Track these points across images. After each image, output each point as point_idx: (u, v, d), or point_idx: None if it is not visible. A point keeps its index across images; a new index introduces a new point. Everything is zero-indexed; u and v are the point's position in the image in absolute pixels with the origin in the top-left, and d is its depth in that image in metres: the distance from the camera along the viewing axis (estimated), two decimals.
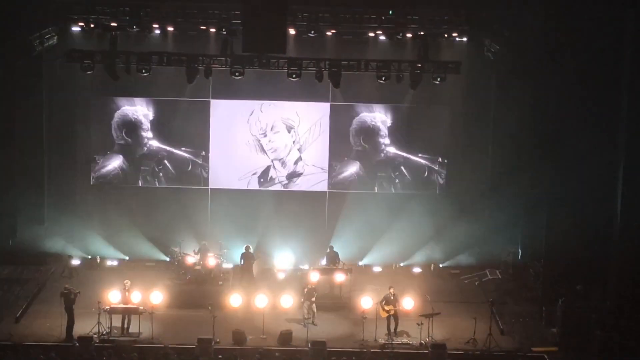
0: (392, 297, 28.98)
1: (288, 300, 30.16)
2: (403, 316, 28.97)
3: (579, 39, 29.28)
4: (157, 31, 33.10)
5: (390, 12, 31.95)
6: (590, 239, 29.97)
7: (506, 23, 31.98)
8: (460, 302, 31.78)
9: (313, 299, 30.05)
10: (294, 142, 35.94)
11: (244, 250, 33.15)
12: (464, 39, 33.32)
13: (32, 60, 32.62)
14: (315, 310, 29.98)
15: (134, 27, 31.86)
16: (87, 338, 27.57)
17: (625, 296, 29.37)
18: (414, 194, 35.98)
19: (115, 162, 35.95)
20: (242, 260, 32.89)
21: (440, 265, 35.44)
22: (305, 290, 30.30)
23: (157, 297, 29.31)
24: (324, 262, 33.46)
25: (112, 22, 31.72)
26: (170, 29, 33.04)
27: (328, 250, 33.59)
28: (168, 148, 35.85)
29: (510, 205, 34.25)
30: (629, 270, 29.40)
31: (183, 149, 35.89)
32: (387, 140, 35.95)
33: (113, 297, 28.80)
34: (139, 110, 35.62)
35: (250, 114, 35.71)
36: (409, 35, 32.36)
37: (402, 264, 35.38)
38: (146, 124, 35.74)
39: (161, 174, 36.01)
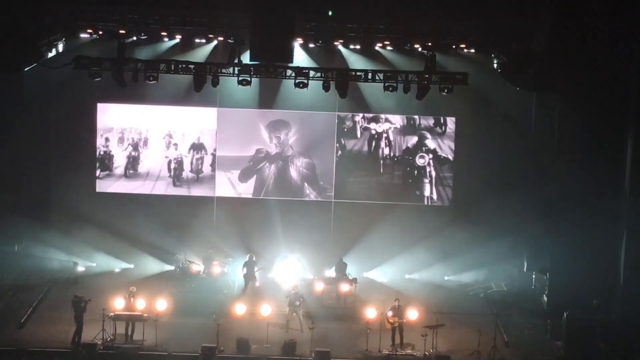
0: (397, 309, 28.90)
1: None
2: (407, 328, 28.90)
3: (587, 52, 29.29)
4: (165, 39, 33.20)
5: None
6: (595, 250, 29.87)
7: (514, 35, 31.97)
8: (465, 313, 31.69)
9: (298, 303, 29.95)
10: (299, 151, 36.09)
11: (247, 259, 33.09)
12: (472, 51, 33.27)
13: (40, 66, 32.65)
14: (301, 317, 29.89)
15: (142, 34, 31.95)
16: (91, 345, 27.60)
17: (630, 309, 29.24)
18: (419, 205, 35.98)
19: (121, 170, 36.02)
20: (245, 269, 32.81)
21: (446, 278, 35.37)
22: (290, 293, 30.24)
23: (162, 304, 29.29)
24: (332, 272, 33.44)
25: (121, 29, 31.76)
26: (178, 37, 33.11)
27: (338, 261, 33.57)
28: (176, 155, 35.98)
29: (517, 217, 34.24)
30: (634, 283, 29.26)
31: (190, 156, 36.04)
32: (394, 151, 35.98)
33: (118, 304, 28.80)
34: (147, 117, 35.76)
35: (258, 124, 35.89)
36: (416, 45, 32.36)
37: (407, 275, 35.33)
38: (156, 131, 35.85)
39: (168, 181, 36.10)
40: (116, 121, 35.83)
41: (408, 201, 36.04)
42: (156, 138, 36.03)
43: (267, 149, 36.05)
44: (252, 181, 36.23)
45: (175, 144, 36.01)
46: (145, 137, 36.01)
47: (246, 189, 36.25)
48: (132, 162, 36.09)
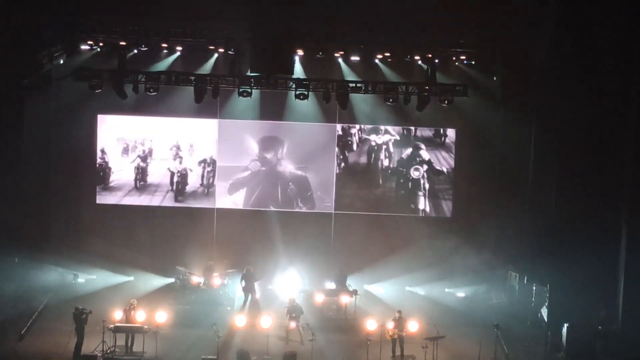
0: (398, 321, 28.82)
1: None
2: (408, 339, 28.84)
3: (587, 63, 29.32)
4: (166, 50, 33.28)
5: None
6: (595, 261, 29.84)
7: (514, 47, 32.02)
8: (465, 325, 31.64)
9: (294, 315, 29.96)
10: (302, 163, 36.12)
11: (244, 272, 32.95)
12: (472, 62, 33.32)
13: (40, 78, 32.71)
14: (300, 329, 29.83)
15: (143, 46, 31.99)
16: (91, 356, 27.55)
17: (630, 321, 29.20)
18: (420, 217, 35.97)
19: (122, 181, 36.01)
20: (243, 282, 32.68)
21: (446, 290, 35.31)
22: (287, 305, 30.32)
23: (162, 316, 29.25)
24: (332, 283, 33.38)
25: (121, 41, 31.82)
26: (179, 48, 33.15)
27: (337, 272, 33.51)
28: (180, 168, 35.98)
29: (518, 228, 34.25)
30: (635, 294, 29.22)
31: (193, 168, 36.04)
32: (393, 162, 35.99)
33: (118, 316, 28.76)
34: (148, 129, 35.78)
35: (258, 135, 35.93)
36: (416, 57, 32.41)
37: (408, 287, 35.29)
38: (157, 143, 35.85)
39: (170, 194, 36.08)
40: (118, 133, 35.77)
41: (403, 213, 36.00)
42: (162, 150, 35.94)
43: (263, 161, 36.01)
44: (244, 192, 36.21)
45: (181, 157, 35.97)
46: (150, 148, 35.97)
47: (239, 201, 36.23)
48: (142, 173, 36.06)
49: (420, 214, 36.11)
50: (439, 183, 35.98)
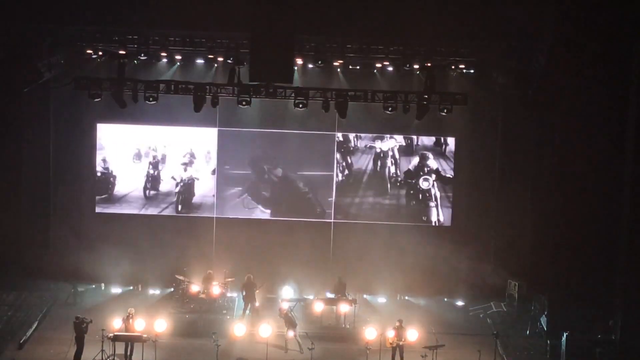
0: (399, 329, 28.75)
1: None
2: (407, 348, 28.81)
3: (586, 72, 29.34)
4: (165, 59, 33.32)
5: None
6: (595, 269, 29.84)
7: (513, 55, 32.04)
8: (464, 334, 31.64)
9: (288, 326, 29.98)
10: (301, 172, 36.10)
11: (244, 280, 32.95)
12: (471, 71, 33.36)
13: (39, 87, 32.72)
14: (298, 339, 29.78)
15: (142, 55, 31.99)
16: None
17: (629, 330, 29.18)
18: (420, 226, 35.92)
19: (126, 191, 35.97)
20: (244, 291, 32.69)
21: (445, 299, 35.31)
22: (284, 318, 30.33)
23: (161, 325, 29.23)
24: (330, 292, 33.33)
25: (120, 50, 31.80)
26: (178, 57, 33.18)
27: (336, 281, 33.47)
28: (182, 175, 35.96)
29: (517, 237, 34.26)
30: (634, 303, 29.20)
31: (207, 176, 36.03)
32: (400, 169, 35.94)
33: (117, 324, 28.74)
34: (148, 138, 35.77)
35: (256, 144, 35.93)
36: (416, 66, 32.41)
37: (407, 296, 35.27)
38: (157, 152, 35.84)
39: (171, 203, 36.06)
40: (118, 141, 35.71)
41: (407, 221, 35.91)
42: (176, 156, 35.82)
43: (261, 174, 36.01)
44: (245, 201, 36.19)
45: (186, 164, 35.91)
46: (163, 154, 35.90)
47: (240, 209, 36.23)
48: (152, 181, 36.00)
49: (434, 224, 36.04)
50: (446, 192, 35.92)
